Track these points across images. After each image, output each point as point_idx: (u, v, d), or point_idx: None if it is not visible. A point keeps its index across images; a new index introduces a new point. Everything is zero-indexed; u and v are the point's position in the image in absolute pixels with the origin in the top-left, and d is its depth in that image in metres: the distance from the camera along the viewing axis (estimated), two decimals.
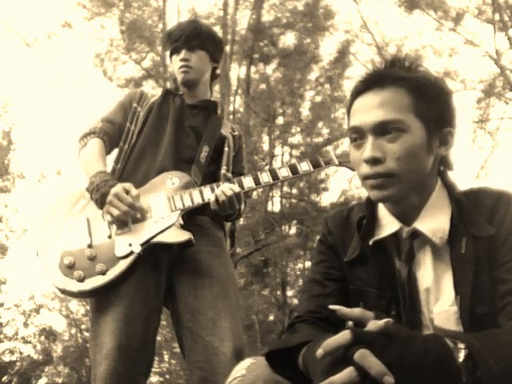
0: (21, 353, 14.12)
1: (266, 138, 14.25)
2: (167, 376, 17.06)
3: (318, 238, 1.23)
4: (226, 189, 1.73)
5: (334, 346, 0.78)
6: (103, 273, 1.66)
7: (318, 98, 14.52)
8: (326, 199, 14.82)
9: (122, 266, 1.67)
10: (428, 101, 1.00)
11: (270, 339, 13.49)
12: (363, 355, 0.75)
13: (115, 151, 1.98)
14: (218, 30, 11.55)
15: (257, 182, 1.81)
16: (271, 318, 14.93)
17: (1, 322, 13.53)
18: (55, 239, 1.75)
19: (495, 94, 12.84)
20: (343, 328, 0.81)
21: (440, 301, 1.02)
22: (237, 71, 13.24)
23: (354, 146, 1.04)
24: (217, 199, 1.73)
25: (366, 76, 1.04)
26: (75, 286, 1.66)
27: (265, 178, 1.81)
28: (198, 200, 1.77)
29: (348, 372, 0.76)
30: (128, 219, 1.72)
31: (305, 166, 1.82)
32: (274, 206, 14.01)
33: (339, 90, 13.79)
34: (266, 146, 14.21)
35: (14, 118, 16.21)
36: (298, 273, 15.05)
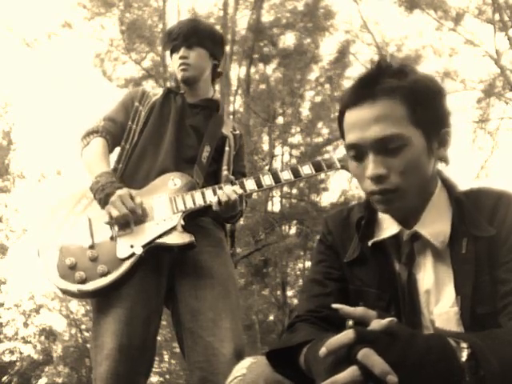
0: (21, 353, 14.12)
1: (266, 138, 14.26)
2: (167, 376, 17.06)
3: (317, 237, 1.23)
4: (229, 192, 1.73)
5: (337, 345, 0.78)
6: (105, 274, 1.66)
7: (318, 98, 14.53)
8: (325, 199, 14.83)
9: (124, 267, 1.67)
10: (423, 106, 0.98)
11: (270, 339, 13.48)
12: (366, 354, 0.75)
13: (116, 150, 1.97)
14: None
15: (259, 184, 1.81)
16: (271, 317, 14.92)
17: (1, 322, 13.52)
18: (57, 239, 1.75)
19: (495, 94, 12.84)
20: (343, 327, 0.81)
21: (440, 302, 1.02)
22: (237, 71, 13.26)
23: (353, 161, 1.03)
24: (219, 201, 1.73)
25: (356, 87, 1.01)
26: (77, 287, 1.66)
27: (267, 180, 1.81)
28: (199, 202, 1.77)
29: (351, 371, 0.76)
30: (130, 221, 1.72)
31: (307, 170, 1.82)
32: (274, 205, 14.03)
33: (339, 90, 13.78)
34: (265, 146, 14.22)
35: (14, 118, 16.19)
36: (298, 273, 15.05)
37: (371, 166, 0.98)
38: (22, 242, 13.50)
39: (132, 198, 1.73)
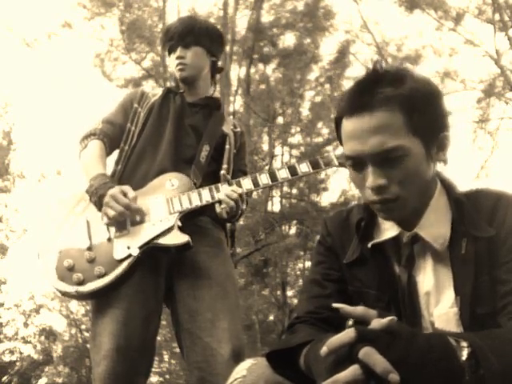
0: (21, 353, 14.12)
1: (266, 138, 14.27)
2: (167, 376, 17.07)
3: (317, 238, 1.23)
4: (230, 193, 1.73)
5: (338, 344, 0.78)
6: (102, 275, 1.66)
7: (318, 98, 14.54)
8: (325, 199, 14.84)
9: (121, 268, 1.67)
10: (421, 114, 0.97)
11: (270, 339, 13.49)
12: (368, 353, 0.75)
13: (115, 152, 1.97)
14: None
15: (255, 183, 1.80)
16: (271, 317, 14.93)
17: (1, 322, 13.53)
18: (56, 241, 1.76)
19: (495, 94, 12.84)
20: (343, 328, 0.81)
21: (440, 303, 1.02)
22: (237, 71, 13.27)
23: (353, 170, 1.02)
24: (220, 202, 1.73)
25: (353, 96, 1.00)
26: (74, 289, 1.67)
27: (264, 179, 1.80)
28: (196, 202, 1.77)
29: (353, 370, 0.76)
30: (127, 220, 1.72)
31: (304, 168, 1.81)
32: (274, 205, 14.04)
33: (339, 90, 13.78)
34: (265, 146, 14.23)
35: (14, 118, 16.19)
36: (298, 273, 15.06)
37: (371, 177, 0.98)
38: (22, 242, 13.52)
39: (124, 193, 1.72)
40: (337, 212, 1.21)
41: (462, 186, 1.10)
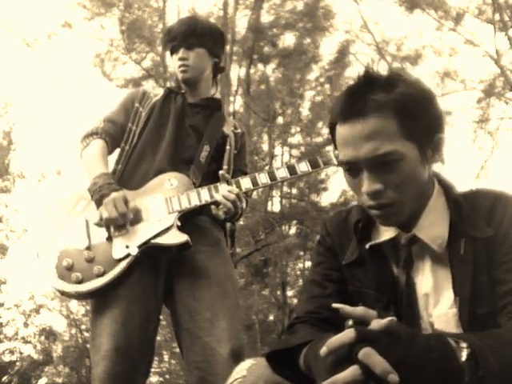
0: (21, 353, 14.12)
1: (265, 138, 14.27)
2: (167, 376, 17.08)
3: (317, 238, 1.23)
4: (226, 194, 1.73)
5: (337, 345, 0.78)
6: (101, 275, 1.66)
7: (318, 98, 14.54)
8: (325, 199, 14.86)
9: (119, 267, 1.67)
10: (414, 118, 0.97)
11: (270, 339, 13.49)
12: (367, 353, 0.75)
13: (116, 151, 1.97)
14: None
15: (254, 183, 1.80)
16: (271, 318, 14.93)
17: (1, 322, 13.52)
18: (55, 241, 1.76)
19: (495, 94, 12.85)
20: (343, 329, 0.81)
21: (439, 304, 1.02)
22: (237, 71, 13.27)
23: (348, 174, 1.02)
24: (218, 204, 1.73)
25: (345, 102, 1.00)
26: (73, 288, 1.67)
27: (263, 179, 1.80)
28: (195, 202, 1.77)
29: (352, 370, 0.76)
30: (120, 225, 1.72)
31: (303, 167, 1.81)
32: (274, 205, 14.04)
33: (339, 90, 13.78)
34: (265, 146, 14.24)
35: (14, 118, 16.17)
36: (298, 273, 15.07)
37: (366, 183, 0.98)
38: (22, 242, 13.51)
39: (126, 201, 1.73)
40: (336, 212, 1.21)
41: (462, 186, 1.09)
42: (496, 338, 0.85)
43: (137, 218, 1.74)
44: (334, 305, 0.89)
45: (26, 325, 14.24)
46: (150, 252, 1.71)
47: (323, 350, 0.79)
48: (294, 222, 13.88)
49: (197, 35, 1.94)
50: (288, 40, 14.28)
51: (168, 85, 2.12)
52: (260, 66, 14.39)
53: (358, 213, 1.12)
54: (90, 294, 1.69)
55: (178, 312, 1.78)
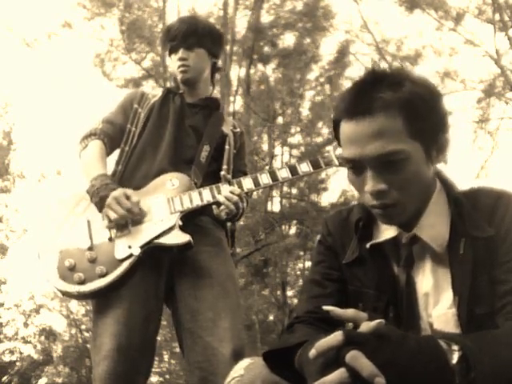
0: (21, 353, 14.12)
1: (265, 138, 14.27)
2: (167, 376, 17.07)
3: (317, 238, 1.23)
4: (229, 195, 1.73)
5: (326, 347, 0.78)
6: (103, 275, 1.66)
7: (318, 98, 14.54)
8: (325, 199, 14.85)
9: (122, 268, 1.67)
10: (421, 117, 0.96)
11: (270, 339, 13.49)
12: (355, 356, 0.75)
13: (116, 153, 1.97)
14: None
15: (256, 183, 1.80)
16: (271, 318, 14.92)
17: (1, 322, 13.52)
18: (57, 241, 1.75)
19: (495, 94, 12.84)
20: (342, 329, 0.81)
21: (439, 304, 1.02)
22: (237, 71, 13.27)
23: (352, 172, 1.01)
24: (219, 204, 1.73)
25: (351, 99, 0.98)
26: (75, 289, 1.67)
27: (264, 179, 1.80)
28: (197, 202, 1.77)
29: (339, 373, 0.76)
30: (129, 221, 1.72)
31: (304, 167, 1.81)
32: (274, 205, 14.03)
33: (339, 90, 13.78)
34: (265, 146, 14.23)
35: (14, 118, 16.17)
36: (298, 273, 15.07)
37: (370, 182, 0.97)
38: (22, 242, 13.50)
39: (128, 197, 1.72)
40: (337, 211, 1.21)
41: (462, 185, 1.09)
42: (491, 339, 0.85)
43: (139, 218, 1.74)
44: (325, 307, 0.88)
45: (25, 325, 14.24)
46: (152, 252, 1.71)
47: (312, 353, 0.79)
48: (294, 221, 13.87)
49: (197, 35, 1.94)
50: (288, 40, 14.30)
51: (168, 85, 2.12)
52: (260, 66, 14.39)
53: (359, 212, 1.12)
54: (92, 294, 1.69)
55: (179, 312, 1.78)
